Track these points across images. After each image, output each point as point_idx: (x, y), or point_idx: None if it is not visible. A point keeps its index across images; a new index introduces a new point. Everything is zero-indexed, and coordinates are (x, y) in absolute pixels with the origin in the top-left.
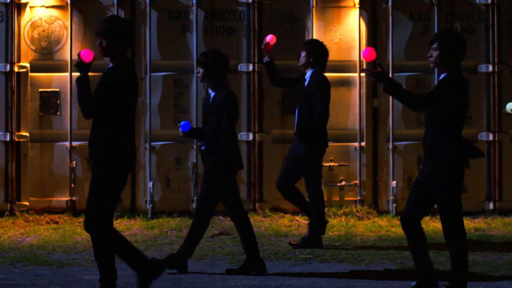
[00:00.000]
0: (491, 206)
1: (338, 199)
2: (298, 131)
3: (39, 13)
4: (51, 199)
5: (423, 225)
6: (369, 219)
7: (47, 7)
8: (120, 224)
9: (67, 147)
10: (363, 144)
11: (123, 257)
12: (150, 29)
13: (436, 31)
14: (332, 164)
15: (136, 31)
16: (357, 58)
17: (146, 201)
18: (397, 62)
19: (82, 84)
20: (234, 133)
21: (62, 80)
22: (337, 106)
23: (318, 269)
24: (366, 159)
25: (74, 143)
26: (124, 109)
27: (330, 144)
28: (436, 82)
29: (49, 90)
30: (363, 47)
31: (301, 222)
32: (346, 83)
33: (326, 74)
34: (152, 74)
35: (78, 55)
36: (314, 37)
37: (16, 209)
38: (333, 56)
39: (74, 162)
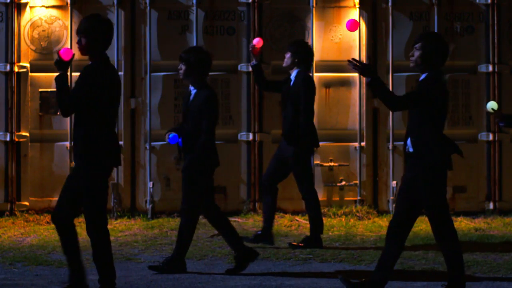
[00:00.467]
0: (491, 206)
1: (338, 199)
2: (284, 132)
3: (39, 13)
4: (51, 199)
5: (423, 225)
6: (369, 219)
7: (47, 7)
8: (120, 224)
9: (67, 147)
10: (363, 144)
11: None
12: (150, 29)
13: (436, 31)
14: (332, 164)
15: (136, 31)
16: (357, 58)
17: (146, 201)
18: (397, 62)
19: (61, 82)
20: (213, 133)
21: None
22: (337, 106)
23: (318, 269)
24: (366, 159)
25: None
26: (104, 107)
27: (330, 144)
28: None
29: (49, 90)
30: (363, 47)
31: (301, 222)
32: (346, 83)
33: (327, 74)
34: (152, 74)
35: (58, 53)
36: (314, 37)
37: (16, 209)
38: (333, 56)
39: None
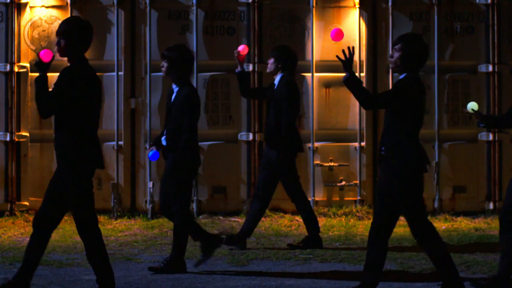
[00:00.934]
0: (491, 206)
1: (338, 199)
2: (266, 137)
3: (39, 13)
4: None
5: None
6: (369, 219)
7: (47, 7)
8: (120, 224)
9: None
10: (363, 144)
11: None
12: (150, 29)
13: (436, 31)
14: (332, 164)
15: (136, 31)
16: (357, 58)
17: (146, 201)
18: None
19: (40, 83)
20: (195, 132)
21: None
22: (337, 106)
23: (318, 269)
24: (366, 159)
25: None
26: (84, 109)
27: (330, 144)
28: (436, 82)
29: (49, 90)
30: (363, 47)
31: (301, 222)
32: None
33: (327, 74)
34: (152, 74)
35: (37, 54)
36: (314, 37)
37: (16, 209)
38: (333, 56)
39: None
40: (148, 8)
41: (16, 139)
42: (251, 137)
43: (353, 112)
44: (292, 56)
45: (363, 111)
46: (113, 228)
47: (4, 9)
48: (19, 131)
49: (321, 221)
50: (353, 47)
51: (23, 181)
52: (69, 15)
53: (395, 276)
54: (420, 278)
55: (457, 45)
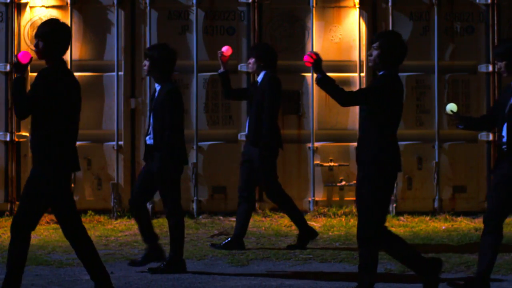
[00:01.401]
0: None
1: (338, 199)
2: (248, 134)
3: (39, 13)
4: None
5: (423, 225)
6: None
7: (47, 7)
8: (120, 224)
9: None
10: None
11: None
12: (150, 29)
13: (436, 31)
14: (332, 164)
15: (136, 31)
16: (357, 58)
17: None
18: None
19: (18, 85)
20: (179, 128)
21: None
22: (337, 106)
23: (318, 269)
24: None
25: None
26: (61, 110)
27: (330, 144)
28: (436, 82)
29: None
30: (363, 47)
31: None
32: (346, 83)
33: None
34: None
35: (16, 56)
36: (314, 37)
37: (16, 209)
38: (333, 56)
39: None
40: (148, 8)
41: (16, 139)
42: None
43: (353, 112)
44: (272, 53)
45: None
46: (113, 228)
47: (4, 9)
48: (19, 131)
49: (321, 221)
50: (316, 53)
51: (23, 181)
52: (69, 15)
53: (395, 276)
54: (420, 278)
55: (457, 45)
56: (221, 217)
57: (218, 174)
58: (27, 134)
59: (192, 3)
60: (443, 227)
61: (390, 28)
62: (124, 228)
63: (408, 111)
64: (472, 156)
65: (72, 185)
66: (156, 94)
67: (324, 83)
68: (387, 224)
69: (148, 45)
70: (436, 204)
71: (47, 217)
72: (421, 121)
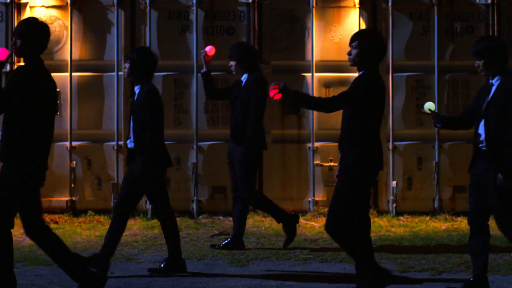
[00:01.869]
0: None
1: None
2: (232, 133)
3: (39, 13)
4: (51, 199)
5: (423, 225)
6: None
7: (47, 7)
8: None
9: (67, 147)
10: None
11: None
12: (150, 29)
13: (436, 31)
14: (332, 164)
15: (136, 31)
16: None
17: (146, 201)
18: (397, 62)
19: None
20: (159, 130)
21: (62, 80)
22: None
23: (318, 269)
24: None
25: (74, 143)
26: (35, 109)
27: (330, 144)
28: (436, 82)
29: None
30: None
31: (301, 222)
32: (346, 83)
33: (327, 74)
34: None
35: None
36: (314, 37)
37: None
38: (333, 56)
39: (74, 162)
40: (148, 8)
41: None
42: None
43: None
44: (251, 52)
45: None
46: None
47: (4, 9)
48: None
49: (321, 221)
50: (275, 82)
51: None
52: (69, 15)
53: (395, 276)
54: (420, 278)
55: (457, 45)
56: (221, 217)
57: (218, 174)
58: None
59: (192, 3)
60: (443, 227)
61: (390, 28)
62: None
63: (408, 111)
64: None
65: (72, 185)
66: (136, 96)
67: (303, 101)
68: (387, 224)
69: (148, 45)
70: (436, 204)
71: (47, 217)
72: (421, 121)
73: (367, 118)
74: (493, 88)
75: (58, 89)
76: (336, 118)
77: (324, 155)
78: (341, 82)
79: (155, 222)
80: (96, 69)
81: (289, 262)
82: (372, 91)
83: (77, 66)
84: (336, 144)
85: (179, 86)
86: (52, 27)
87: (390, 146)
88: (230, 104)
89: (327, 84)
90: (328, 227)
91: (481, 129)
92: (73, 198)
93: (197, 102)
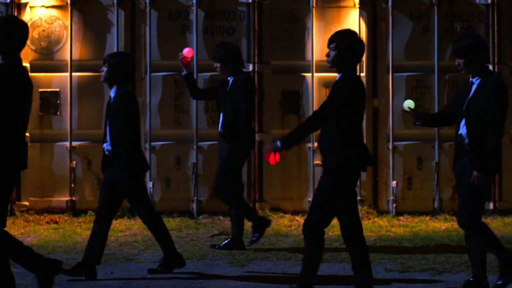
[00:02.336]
0: (491, 206)
1: None
2: (223, 132)
3: (39, 13)
4: (51, 199)
5: (423, 225)
6: (369, 219)
7: (47, 7)
8: (120, 224)
9: (67, 147)
10: None
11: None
12: (150, 29)
13: (436, 31)
14: None
15: (136, 31)
16: None
17: None
18: (397, 62)
19: None
20: (135, 133)
21: (62, 80)
22: None
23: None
24: None
25: (74, 143)
26: (12, 108)
27: None
28: (436, 82)
29: (49, 90)
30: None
31: (301, 222)
32: None
33: (327, 74)
34: (152, 74)
35: None
36: (314, 37)
37: (16, 209)
38: None
39: (74, 162)
40: (148, 8)
41: None
42: None
43: None
44: (234, 52)
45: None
46: (113, 228)
47: (4, 9)
48: None
49: None
50: (272, 146)
51: (23, 181)
52: (69, 15)
53: (395, 276)
54: (420, 278)
55: None
56: (221, 217)
57: None
58: (27, 134)
59: (192, 3)
60: (443, 227)
61: (390, 28)
62: (124, 228)
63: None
64: None
65: (72, 185)
66: (112, 100)
67: (297, 139)
68: (387, 224)
69: (148, 45)
70: (436, 204)
71: (47, 217)
72: None
73: (348, 120)
74: (474, 87)
75: (57, 89)
76: None
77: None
78: None
79: None
80: (96, 69)
81: (289, 262)
82: (352, 94)
83: (77, 66)
84: None
85: (179, 86)
86: (52, 27)
87: (390, 146)
88: (216, 104)
89: (327, 84)
90: (304, 227)
91: (462, 128)
92: (73, 198)
93: (197, 102)
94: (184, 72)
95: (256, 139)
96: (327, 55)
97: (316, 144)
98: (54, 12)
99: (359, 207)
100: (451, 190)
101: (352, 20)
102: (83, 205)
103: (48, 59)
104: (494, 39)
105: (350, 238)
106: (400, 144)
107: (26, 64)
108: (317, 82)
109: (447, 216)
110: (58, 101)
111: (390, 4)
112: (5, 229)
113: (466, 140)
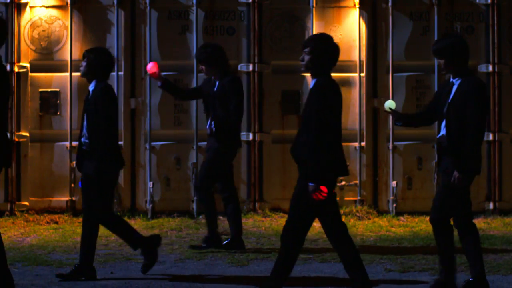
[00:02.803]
0: (491, 206)
1: (338, 199)
2: (216, 132)
3: (39, 13)
4: (51, 199)
5: (423, 225)
6: (369, 219)
7: (47, 7)
8: None
9: (67, 147)
10: (363, 144)
11: None
12: (150, 29)
13: (436, 31)
14: None
15: (136, 31)
16: (357, 58)
17: (146, 201)
18: (397, 62)
19: None
20: (113, 128)
21: (62, 80)
22: None
23: (318, 269)
24: (366, 159)
25: (74, 143)
26: None
27: None
28: (436, 83)
29: (49, 90)
30: (363, 47)
31: None
32: (346, 83)
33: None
34: None
35: None
36: None
37: (16, 209)
38: None
39: (74, 162)
40: (148, 8)
41: (16, 139)
42: (251, 137)
43: (353, 112)
44: (218, 53)
45: (363, 111)
46: None
47: (4, 9)
48: (19, 131)
49: None
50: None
51: (23, 181)
52: (69, 15)
53: (395, 276)
54: (420, 278)
55: None
56: (221, 217)
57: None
58: (27, 134)
59: (192, 3)
60: None
61: (390, 28)
62: None
63: (408, 111)
64: None
65: (72, 185)
66: (90, 95)
67: (318, 168)
68: (387, 224)
69: (148, 45)
70: None
71: (47, 217)
72: None
73: (324, 123)
74: (454, 88)
75: (57, 89)
76: None
77: None
78: (341, 82)
79: (155, 222)
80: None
81: None
82: (332, 103)
83: (77, 66)
84: None
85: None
86: (52, 27)
87: (390, 146)
88: (203, 104)
89: None
90: (283, 233)
91: (443, 130)
92: (73, 198)
93: (197, 102)
94: (159, 84)
95: (256, 139)
96: (301, 59)
97: None
98: (54, 12)
99: (359, 207)
100: None
101: (352, 20)
102: None
103: (48, 59)
104: (494, 39)
105: (337, 240)
106: (400, 144)
107: (26, 64)
108: None
109: None
110: (58, 101)
111: (390, 4)
112: (5, 229)
113: (446, 142)
